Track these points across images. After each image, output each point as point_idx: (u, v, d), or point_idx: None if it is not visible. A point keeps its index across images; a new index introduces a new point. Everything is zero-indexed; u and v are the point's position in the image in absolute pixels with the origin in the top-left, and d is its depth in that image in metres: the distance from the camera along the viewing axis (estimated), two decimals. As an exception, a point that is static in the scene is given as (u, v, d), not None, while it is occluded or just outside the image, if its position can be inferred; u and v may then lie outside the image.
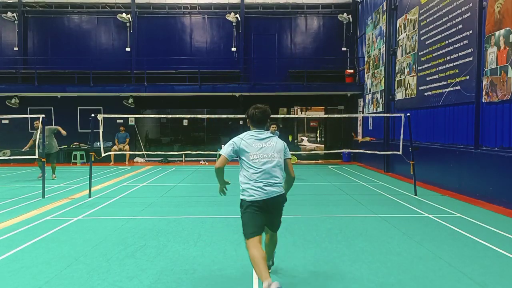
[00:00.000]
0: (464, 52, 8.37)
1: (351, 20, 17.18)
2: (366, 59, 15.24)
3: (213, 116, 12.78)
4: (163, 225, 5.76)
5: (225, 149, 3.49)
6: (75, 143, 16.75)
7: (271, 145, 3.46)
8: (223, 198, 8.03)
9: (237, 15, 17.06)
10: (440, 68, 9.39)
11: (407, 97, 11.33)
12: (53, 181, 10.53)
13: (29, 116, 11.26)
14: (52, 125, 13.13)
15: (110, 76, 16.76)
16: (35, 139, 10.45)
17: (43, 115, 8.68)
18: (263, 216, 3.35)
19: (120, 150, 15.79)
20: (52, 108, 16.91)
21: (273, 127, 9.91)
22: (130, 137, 16.74)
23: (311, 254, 4.45)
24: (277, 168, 3.41)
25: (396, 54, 12.24)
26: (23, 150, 11.13)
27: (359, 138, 15.76)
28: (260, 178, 3.33)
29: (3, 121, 16.56)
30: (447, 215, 6.36)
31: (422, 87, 10.31)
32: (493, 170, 7.27)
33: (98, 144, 9.53)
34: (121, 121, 16.78)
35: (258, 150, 3.40)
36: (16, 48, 17.32)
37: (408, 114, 8.45)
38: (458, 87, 8.58)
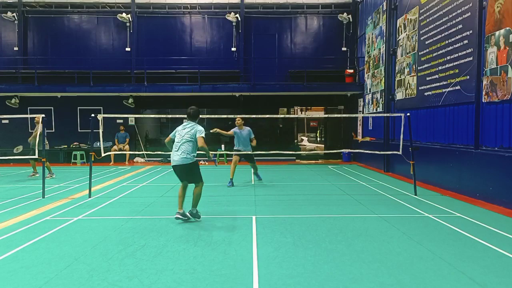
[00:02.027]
0: (464, 52, 8.37)
1: (351, 20, 17.18)
2: (366, 59, 15.24)
3: (213, 116, 12.78)
4: (163, 225, 5.76)
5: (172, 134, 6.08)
6: (75, 143, 16.76)
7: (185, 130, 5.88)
8: (222, 198, 8.08)
9: (237, 15, 17.06)
10: (440, 68, 9.39)
11: (407, 97, 11.33)
12: (53, 181, 10.52)
13: (29, 116, 11.28)
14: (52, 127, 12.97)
15: (110, 76, 16.76)
16: (36, 134, 10.58)
17: (43, 115, 8.68)
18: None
19: (120, 150, 15.79)
20: (52, 108, 16.91)
21: (238, 121, 9.66)
22: (130, 137, 16.74)
23: (311, 254, 4.45)
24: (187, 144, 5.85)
25: (396, 54, 12.24)
26: (29, 140, 11.15)
27: (359, 138, 15.75)
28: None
29: (3, 121, 16.56)
30: (447, 215, 6.36)
31: (422, 87, 10.31)
32: (493, 170, 7.27)
33: (98, 144, 9.53)
34: (121, 121, 16.78)
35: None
36: (16, 48, 17.31)
37: (408, 114, 8.44)
38: (458, 87, 8.58)
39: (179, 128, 5.94)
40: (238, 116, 9.74)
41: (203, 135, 5.82)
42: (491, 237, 5.08)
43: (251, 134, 9.76)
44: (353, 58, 17.17)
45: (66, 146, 16.66)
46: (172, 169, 6.06)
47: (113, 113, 11.48)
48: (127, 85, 16.37)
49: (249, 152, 9.79)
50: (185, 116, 6.13)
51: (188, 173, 5.89)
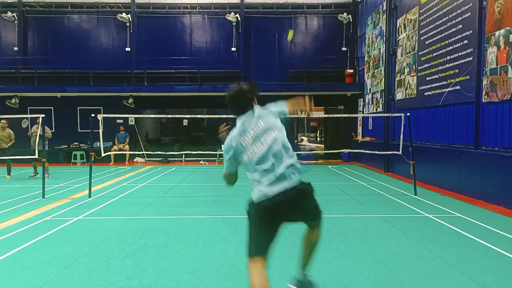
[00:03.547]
0: (464, 52, 8.37)
1: (351, 20, 17.18)
2: (366, 59, 15.24)
3: (213, 116, 12.79)
4: (163, 225, 5.76)
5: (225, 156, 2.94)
6: (75, 143, 16.76)
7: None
8: (223, 198, 8.08)
9: (237, 15, 17.06)
10: (440, 68, 9.39)
11: (407, 97, 11.33)
12: (53, 181, 10.51)
13: (29, 116, 11.28)
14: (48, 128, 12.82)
15: (110, 76, 16.76)
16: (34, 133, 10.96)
17: (43, 115, 8.68)
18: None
19: (120, 150, 15.79)
20: (52, 108, 16.91)
21: None
22: (130, 137, 16.74)
23: (311, 254, 4.45)
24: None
25: (396, 54, 12.24)
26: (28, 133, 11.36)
27: (359, 138, 15.75)
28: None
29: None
30: (447, 215, 6.36)
31: (422, 87, 10.31)
32: (493, 170, 7.27)
33: (98, 144, 9.53)
34: (121, 121, 16.78)
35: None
36: (16, 48, 17.32)
37: (408, 114, 8.44)
38: (458, 87, 8.58)
39: (242, 128, 2.79)
40: None
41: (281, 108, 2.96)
42: (491, 237, 5.08)
43: None
44: (353, 58, 17.17)
45: (66, 146, 16.65)
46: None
47: (113, 113, 11.47)
48: (127, 85, 16.37)
49: None
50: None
51: (306, 204, 3.00)
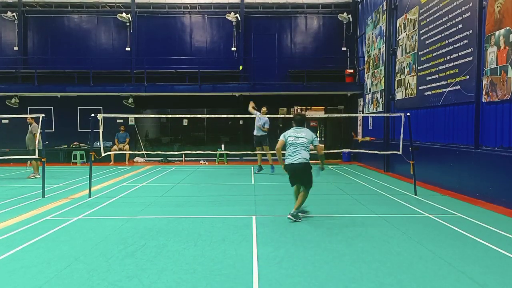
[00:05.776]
0: (464, 52, 8.37)
1: (351, 19, 17.18)
2: (366, 58, 15.24)
3: (213, 116, 12.76)
4: (163, 225, 5.76)
5: (281, 137, 6.33)
6: (75, 143, 16.76)
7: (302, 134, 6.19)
8: (223, 198, 8.08)
9: (237, 15, 17.06)
10: (440, 67, 9.39)
11: (407, 96, 11.33)
12: (53, 181, 10.50)
13: (29, 116, 11.27)
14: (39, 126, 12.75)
15: (110, 76, 16.75)
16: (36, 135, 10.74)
17: (43, 115, 8.68)
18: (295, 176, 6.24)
19: (120, 150, 15.79)
20: (52, 108, 16.92)
21: (263, 110, 11.85)
22: (130, 137, 16.74)
23: (311, 254, 4.45)
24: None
25: (396, 53, 12.23)
26: (27, 141, 11.28)
27: (359, 138, 15.75)
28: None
29: (3, 121, 16.55)
30: (447, 215, 6.37)
31: (422, 87, 10.31)
32: (493, 170, 7.27)
33: (98, 144, 9.52)
34: (121, 121, 16.78)
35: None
36: (16, 48, 17.31)
37: (408, 113, 8.44)
38: (458, 87, 8.58)
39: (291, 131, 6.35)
40: (264, 108, 11.97)
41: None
42: (491, 237, 5.08)
43: (265, 123, 11.64)
44: (353, 58, 17.16)
45: (66, 146, 16.65)
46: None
47: (113, 113, 11.47)
48: (127, 85, 16.37)
49: (260, 135, 11.86)
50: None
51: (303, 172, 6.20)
